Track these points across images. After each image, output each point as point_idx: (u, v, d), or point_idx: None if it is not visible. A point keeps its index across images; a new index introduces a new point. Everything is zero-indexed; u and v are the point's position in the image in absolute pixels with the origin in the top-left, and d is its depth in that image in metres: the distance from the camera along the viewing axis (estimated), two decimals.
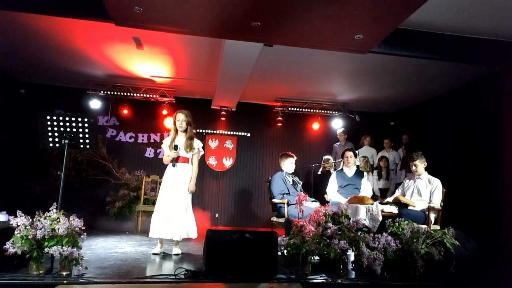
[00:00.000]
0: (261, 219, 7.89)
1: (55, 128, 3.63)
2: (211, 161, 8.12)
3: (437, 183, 4.53)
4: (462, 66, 5.49)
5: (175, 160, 4.16)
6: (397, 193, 4.86)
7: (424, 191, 4.56)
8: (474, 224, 5.07)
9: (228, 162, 8.19)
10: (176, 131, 4.27)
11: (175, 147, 4.14)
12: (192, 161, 4.29)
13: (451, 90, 6.75)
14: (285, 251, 3.35)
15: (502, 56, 4.88)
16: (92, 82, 7.23)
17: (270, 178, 5.06)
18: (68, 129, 3.65)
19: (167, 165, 4.30)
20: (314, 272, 3.28)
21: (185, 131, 4.26)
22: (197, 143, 4.32)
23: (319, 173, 7.06)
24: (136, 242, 4.89)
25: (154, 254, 4.06)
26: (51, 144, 3.66)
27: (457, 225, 3.57)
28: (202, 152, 4.41)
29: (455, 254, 3.40)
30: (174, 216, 4.05)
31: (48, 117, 3.61)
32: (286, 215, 4.50)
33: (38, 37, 5.36)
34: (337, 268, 3.35)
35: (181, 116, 4.23)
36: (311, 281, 3.06)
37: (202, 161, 8.02)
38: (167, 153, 4.25)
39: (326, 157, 7.10)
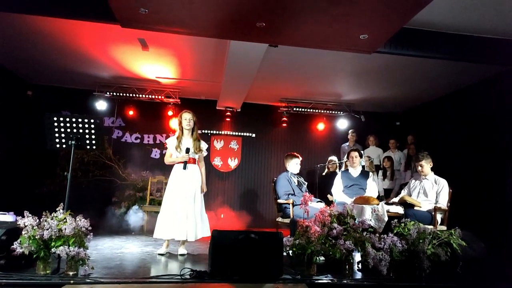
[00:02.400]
0: (266, 220, 7.89)
1: (62, 129, 3.66)
2: (217, 162, 8.14)
3: (443, 183, 4.50)
4: (468, 66, 5.45)
5: (186, 163, 4.13)
6: (403, 193, 4.83)
7: (431, 191, 4.53)
8: (481, 225, 5.03)
9: (233, 163, 8.20)
10: (182, 131, 4.26)
11: (187, 150, 4.12)
12: (198, 161, 4.30)
13: (457, 90, 6.70)
14: (290, 251, 3.35)
15: (509, 55, 4.84)
16: (98, 84, 7.28)
17: (275, 178, 5.05)
18: (74, 130, 3.67)
19: (169, 165, 4.28)
20: (319, 272, 3.28)
21: (192, 130, 4.26)
22: (204, 144, 4.34)
23: (324, 174, 7.05)
24: (142, 243, 4.91)
25: (159, 254, 4.07)
26: (57, 145, 3.69)
27: (464, 225, 3.54)
28: (206, 153, 4.42)
29: (462, 255, 3.37)
30: (190, 217, 4.03)
31: (55, 118, 3.64)
32: (291, 216, 4.49)
33: (44, 39, 5.41)
34: (342, 268, 3.34)
35: (188, 115, 4.23)
36: (316, 281, 3.06)
37: (208, 162, 8.05)
38: (174, 154, 4.21)
39: (330, 158, 7.09)
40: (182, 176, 4.15)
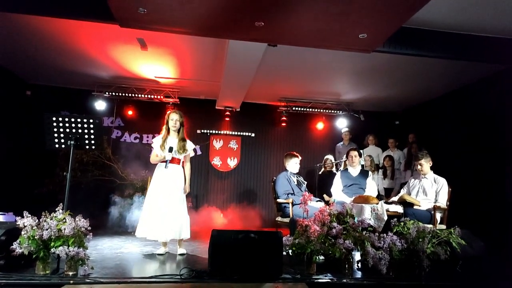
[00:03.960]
0: (266, 219, 7.88)
1: (61, 129, 3.65)
2: (216, 161, 8.14)
3: (442, 182, 4.51)
4: (467, 65, 5.46)
5: (168, 162, 4.08)
6: (402, 192, 4.83)
7: (430, 190, 4.53)
8: (480, 223, 5.04)
9: (232, 162, 8.20)
10: (168, 131, 4.21)
11: (170, 149, 4.07)
12: (184, 162, 4.25)
13: (456, 89, 6.71)
14: (290, 251, 3.35)
15: (508, 54, 4.84)
16: (97, 84, 7.28)
17: (274, 178, 5.05)
18: (73, 130, 3.67)
19: (155, 164, 4.24)
20: (319, 272, 3.28)
21: (178, 131, 4.23)
22: (190, 145, 4.28)
23: (320, 173, 7.05)
24: (141, 243, 4.90)
25: (159, 254, 4.06)
26: (57, 145, 3.69)
27: (464, 224, 3.54)
28: (193, 154, 4.39)
29: (462, 254, 3.38)
30: (169, 217, 3.99)
31: (54, 118, 3.63)
32: (291, 215, 4.49)
33: (43, 39, 5.40)
34: (342, 267, 3.34)
35: (175, 116, 4.18)
36: (316, 280, 3.06)
37: (207, 161, 8.07)
38: (158, 153, 4.14)
39: (326, 156, 7.09)
40: (164, 177, 4.10)
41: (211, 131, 8.17)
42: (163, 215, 3.99)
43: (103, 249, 4.32)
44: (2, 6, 4.10)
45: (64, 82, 7.41)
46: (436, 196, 4.48)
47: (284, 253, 3.27)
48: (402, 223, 3.50)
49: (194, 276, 2.99)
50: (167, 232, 3.99)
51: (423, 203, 4.45)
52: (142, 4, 3.60)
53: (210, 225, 6.75)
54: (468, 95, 6.45)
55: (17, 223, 2.94)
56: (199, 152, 7.97)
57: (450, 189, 4.48)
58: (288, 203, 4.58)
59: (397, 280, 3.20)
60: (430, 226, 3.78)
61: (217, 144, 8.21)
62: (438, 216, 4.35)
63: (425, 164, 4.63)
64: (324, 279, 3.11)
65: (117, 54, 5.92)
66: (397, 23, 3.90)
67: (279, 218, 4.83)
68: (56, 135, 3.66)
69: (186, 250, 4.18)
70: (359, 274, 3.35)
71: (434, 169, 4.69)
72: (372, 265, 3.17)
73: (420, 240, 3.30)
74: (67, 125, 3.65)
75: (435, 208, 4.28)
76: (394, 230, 3.46)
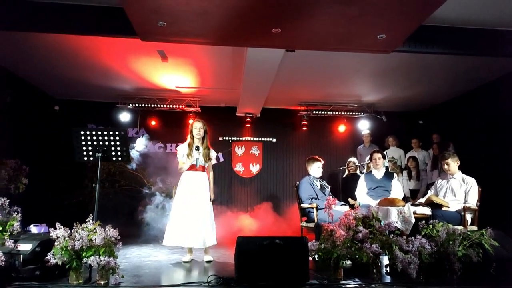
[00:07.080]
0: (290, 225, 7.83)
1: (89, 142, 3.76)
2: (238, 168, 8.18)
3: (472, 182, 4.37)
4: (491, 61, 5.30)
5: (198, 160, 4.20)
6: (430, 193, 4.72)
7: (459, 190, 4.41)
8: None
9: (255, 168, 8.23)
10: (193, 140, 4.30)
11: (197, 148, 4.17)
12: (207, 169, 4.35)
13: (482, 85, 6.51)
14: (316, 256, 3.33)
15: None
16: (121, 96, 7.49)
17: (297, 183, 5.04)
18: (101, 143, 3.77)
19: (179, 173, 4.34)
20: (346, 276, 3.24)
21: (202, 139, 4.31)
22: (213, 153, 4.41)
23: (344, 176, 6.98)
24: (169, 251, 4.98)
25: (185, 262, 4.12)
26: (85, 158, 3.80)
27: (496, 225, 3.43)
28: (215, 162, 4.49)
29: (495, 256, 3.27)
30: (198, 225, 4.06)
31: (82, 132, 3.75)
32: (315, 220, 4.46)
33: (69, 57, 5.61)
34: (370, 272, 3.28)
35: (198, 124, 4.29)
36: (344, 286, 3.03)
37: (230, 168, 8.13)
38: (182, 161, 4.24)
39: (349, 159, 7.02)
40: (190, 184, 4.20)
41: (232, 138, 8.23)
42: (190, 222, 4.06)
43: (132, 257, 4.41)
44: (31, 26, 4.31)
45: (90, 96, 7.66)
46: (465, 196, 4.34)
47: (310, 258, 3.26)
48: (430, 226, 3.42)
49: (222, 283, 3.02)
50: (194, 239, 4.05)
51: (452, 204, 4.33)
52: (162, 17, 3.70)
53: (234, 231, 6.77)
54: (494, 91, 6.24)
55: (50, 235, 3.05)
56: (221, 159, 8.06)
57: (480, 189, 4.35)
58: (312, 208, 4.55)
59: (428, 284, 3.13)
60: (460, 227, 3.67)
61: (239, 150, 8.26)
62: (468, 217, 4.22)
63: (452, 164, 4.51)
64: (352, 284, 3.07)
65: (139, 66, 6.08)
66: (416, 22, 3.85)
67: (303, 223, 4.80)
68: (84, 148, 3.77)
69: (212, 257, 4.22)
70: (388, 279, 3.29)
71: (461, 168, 4.56)
72: (401, 269, 3.10)
73: (451, 242, 3.21)
74: (94, 138, 3.75)
75: (465, 209, 4.16)
76: (423, 233, 3.39)
